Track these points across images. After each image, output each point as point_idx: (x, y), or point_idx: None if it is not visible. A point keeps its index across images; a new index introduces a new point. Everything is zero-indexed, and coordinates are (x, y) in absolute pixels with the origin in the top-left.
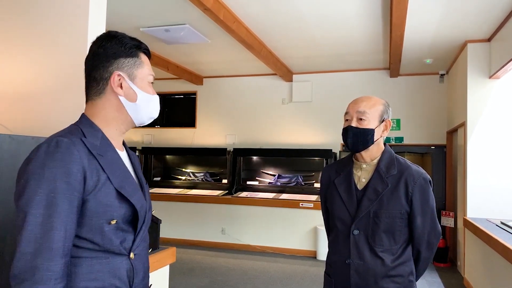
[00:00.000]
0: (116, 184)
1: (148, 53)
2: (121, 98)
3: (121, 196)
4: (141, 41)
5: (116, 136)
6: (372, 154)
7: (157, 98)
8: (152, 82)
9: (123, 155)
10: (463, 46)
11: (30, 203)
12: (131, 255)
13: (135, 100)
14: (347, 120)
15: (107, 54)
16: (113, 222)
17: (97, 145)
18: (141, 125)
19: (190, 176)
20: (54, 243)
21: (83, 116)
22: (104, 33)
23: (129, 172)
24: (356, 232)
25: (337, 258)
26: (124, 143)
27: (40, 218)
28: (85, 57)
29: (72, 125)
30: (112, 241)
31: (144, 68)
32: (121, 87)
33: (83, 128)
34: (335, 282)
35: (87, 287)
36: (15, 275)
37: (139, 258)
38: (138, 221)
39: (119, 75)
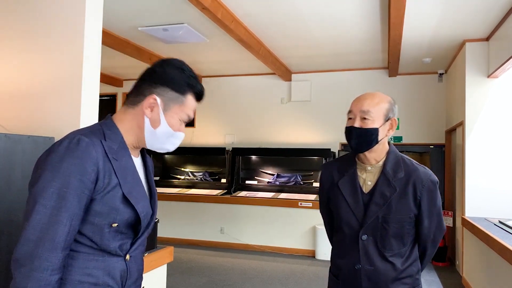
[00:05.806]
0: (125, 189)
1: (199, 96)
2: (146, 119)
3: (127, 202)
4: (200, 85)
5: (132, 145)
6: (377, 155)
7: (181, 135)
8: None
9: (138, 161)
10: (461, 45)
11: (43, 193)
12: (127, 257)
13: (156, 128)
14: (350, 118)
15: (160, 76)
16: (115, 225)
17: (114, 149)
18: (151, 149)
19: (189, 176)
20: (57, 236)
21: (108, 117)
22: (178, 60)
23: (140, 179)
24: (364, 237)
25: (345, 263)
26: (142, 150)
27: (49, 209)
28: (81, 56)
29: (96, 124)
30: (109, 242)
31: (183, 108)
32: (152, 110)
33: (105, 129)
34: (342, 285)
35: (81, 281)
36: (17, 259)
37: (134, 261)
38: (139, 227)
39: (155, 99)
